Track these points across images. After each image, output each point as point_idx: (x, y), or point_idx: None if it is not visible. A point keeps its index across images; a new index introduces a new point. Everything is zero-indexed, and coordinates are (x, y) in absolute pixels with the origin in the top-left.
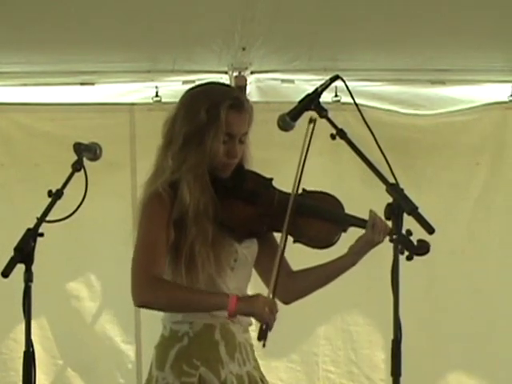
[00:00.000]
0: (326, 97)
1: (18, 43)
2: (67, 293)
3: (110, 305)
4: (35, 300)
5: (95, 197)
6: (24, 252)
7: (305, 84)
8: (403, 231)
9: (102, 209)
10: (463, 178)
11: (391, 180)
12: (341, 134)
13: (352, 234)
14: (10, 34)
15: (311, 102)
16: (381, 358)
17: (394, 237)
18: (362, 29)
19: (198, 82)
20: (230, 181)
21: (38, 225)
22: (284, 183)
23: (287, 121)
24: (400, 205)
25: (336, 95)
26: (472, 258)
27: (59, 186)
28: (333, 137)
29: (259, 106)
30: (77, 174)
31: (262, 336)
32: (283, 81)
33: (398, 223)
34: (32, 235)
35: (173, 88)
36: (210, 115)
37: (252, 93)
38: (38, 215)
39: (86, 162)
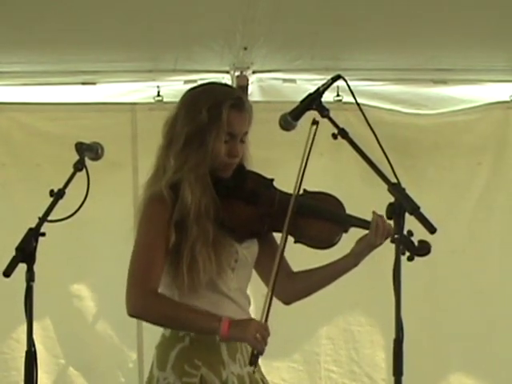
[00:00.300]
0: (328, 96)
1: (20, 43)
2: (69, 292)
3: (111, 304)
4: (37, 299)
5: (97, 196)
6: (26, 252)
7: (306, 84)
8: (404, 232)
9: (103, 208)
10: (465, 178)
11: (393, 180)
12: (342, 133)
13: (353, 235)
14: (12, 33)
15: (313, 101)
16: (382, 357)
17: (396, 236)
18: (364, 28)
19: (199, 82)
20: (231, 181)
21: (39, 224)
22: (285, 183)
23: (289, 120)
24: (402, 204)
25: (338, 95)
26: (473, 258)
27: (61, 186)
28: (334, 136)
29: (261, 105)
30: (78, 174)
31: (253, 362)
32: (285, 80)
33: (400, 223)
34: (34, 235)
35: (174, 88)
36: (212, 115)
37: (254, 92)
38: (40, 215)
39: (87, 161)
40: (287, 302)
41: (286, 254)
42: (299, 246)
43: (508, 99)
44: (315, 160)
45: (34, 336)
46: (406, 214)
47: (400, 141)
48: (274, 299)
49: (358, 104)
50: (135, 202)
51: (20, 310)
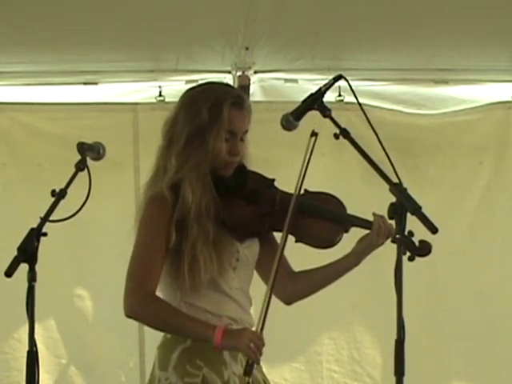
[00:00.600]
0: (330, 96)
1: (21, 43)
2: (70, 292)
3: (112, 304)
4: (38, 299)
5: (98, 196)
6: (27, 252)
7: (308, 84)
8: (406, 232)
9: (105, 208)
10: (466, 178)
11: (394, 180)
12: (344, 133)
13: (354, 235)
14: (13, 33)
15: (314, 101)
16: (384, 357)
17: (397, 236)
18: (365, 28)
19: (201, 82)
20: (232, 180)
21: (41, 224)
22: (287, 183)
23: (290, 120)
24: (403, 204)
25: (339, 95)
26: (474, 258)
27: (61, 186)
28: (336, 136)
29: (262, 105)
30: (80, 174)
31: (248, 372)
32: (286, 80)
33: (402, 223)
34: (35, 235)
35: (176, 88)
36: (212, 114)
37: (255, 92)
38: (41, 215)
39: (89, 161)
40: (288, 302)
41: (287, 253)
42: (300, 245)
43: (509, 99)
44: (317, 160)
45: (36, 336)
46: (408, 214)
47: (401, 141)
48: (276, 299)
49: (359, 104)
50: (137, 202)
51: (22, 310)
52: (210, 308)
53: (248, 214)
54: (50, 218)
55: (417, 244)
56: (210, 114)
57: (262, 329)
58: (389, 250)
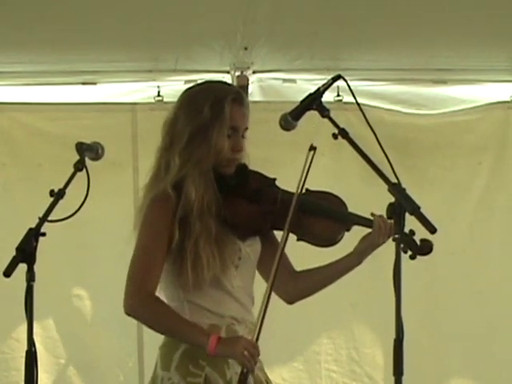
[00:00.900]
0: (328, 96)
1: (20, 43)
2: (69, 292)
3: (111, 304)
4: (37, 299)
5: (97, 196)
6: (26, 251)
7: (307, 83)
8: (406, 231)
9: (103, 208)
10: (465, 178)
11: (393, 180)
12: (343, 133)
13: (356, 234)
14: (12, 33)
15: (313, 101)
16: (383, 357)
17: (396, 236)
18: (364, 28)
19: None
20: (234, 179)
21: (40, 224)
22: (285, 183)
23: (289, 120)
24: (402, 204)
25: (338, 95)
26: (473, 258)
27: (61, 186)
28: (335, 136)
29: (261, 105)
30: (79, 174)
31: (242, 381)
32: (285, 80)
33: (400, 223)
34: (34, 235)
35: (175, 88)
36: (214, 111)
37: (254, 92)
38: (40, 215)
39: (87, 161)
40: (290, 302)
41: (288, 252)
42: (301, 245)
43: (508, 99)
44: (316, 160)
45: (35, 336)
46: (407, 214)
47: (400, 141)
48: (275, 299)
49: (358, 104)
50: (135, 202)
51: (20, 310)
52: (212, 307)
53: (249, 212)
54: (49, 218)
55: (418, 243)
56: (211, 111)
57: (257, 338)
58: (388, 249)
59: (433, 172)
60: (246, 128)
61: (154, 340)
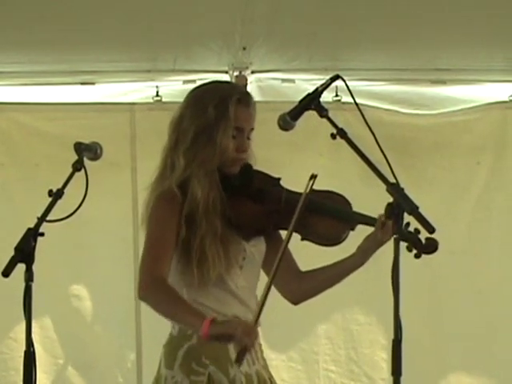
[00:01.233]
0: (327, 96)
1: (19, 43)
2: (67, 292)
3: (110, 304)
4: (35, 299)
5: (95, 196)
6: (24, 252)
7: (305, 83)
8: (411, 229)
9: (102, 208)
10: (464, 178)
11: (392, 180)
12: (341, 133)
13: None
14: (11, 33)
15: (312, 101)
16: (381, 357)
17: (395, 236)
18: (363, 28)
19: (198, 82)
20: (238, 179)
21: (38, 224)
22: (285, 182)
23: (287, 120)
24: (400, 204)
25: (336, 95)
26: (472, 258)
27: (59, 186)
28: (333, 136)
29: (259, 105)
30: (77, 174)
31: (239, 358)
32: (284, 80)
33: (399, 223)
34: (32, 235)
35: (173, 88)
36: (219, 111)
37: (252, 92)
38: (39, 215)
39: (86, 161)
40: (295, 302)
41: (293, 252)
42: (306, 244)
43: (507, 99)
44: (314, 160)
45: (33, 336)
46: (405, 214)
47: (399, 141)
48: (275, 299)
49: (356, 104)
50: (134, 202)
51: (19, 310)
52: (216, 306)
53: (254, 212)
54: (47, 218)
55: (423, 241)
56: (216, 112)
57: (256, 321)
58: (388, 249)
59: (431, 172)
60: (252, 129)
61: (153, 340)
